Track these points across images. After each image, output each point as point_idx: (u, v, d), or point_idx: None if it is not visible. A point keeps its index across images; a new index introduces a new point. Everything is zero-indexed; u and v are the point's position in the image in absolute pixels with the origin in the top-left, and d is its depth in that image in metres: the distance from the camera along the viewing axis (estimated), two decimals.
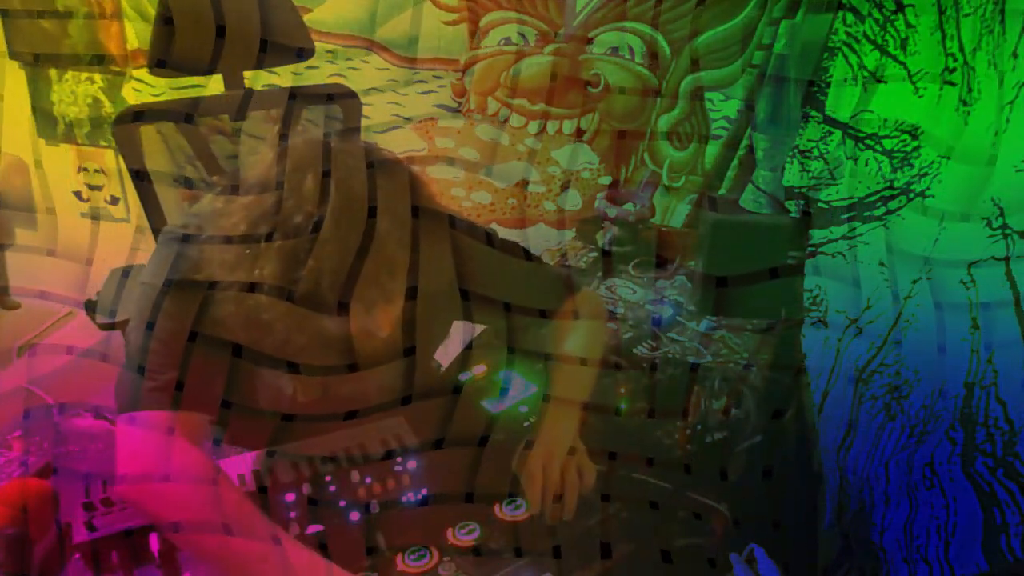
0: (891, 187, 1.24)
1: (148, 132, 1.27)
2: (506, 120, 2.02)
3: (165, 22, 1.17)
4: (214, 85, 1.30)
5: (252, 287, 0.81)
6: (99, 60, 2.00)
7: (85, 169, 2.10)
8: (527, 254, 1.08)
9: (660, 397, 1.23)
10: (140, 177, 1.28)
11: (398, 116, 2.03)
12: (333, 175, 0.83)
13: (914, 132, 1.21)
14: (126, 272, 1.39)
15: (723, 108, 1.94)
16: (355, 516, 0.92)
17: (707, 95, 1.95)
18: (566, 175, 1.98)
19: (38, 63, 2.00)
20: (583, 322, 1.11)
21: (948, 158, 1.17)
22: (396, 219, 0.84)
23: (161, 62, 1.20)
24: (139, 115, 1.26)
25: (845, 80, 1.32)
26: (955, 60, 1.15)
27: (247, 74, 1.32)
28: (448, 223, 0.96)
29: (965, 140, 1.14)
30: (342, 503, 0.94)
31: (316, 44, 1.37)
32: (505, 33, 1.96)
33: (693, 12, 1.87)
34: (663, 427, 1.15)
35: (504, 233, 1.07)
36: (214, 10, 1.17)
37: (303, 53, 1.33)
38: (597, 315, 1.13)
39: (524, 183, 2.04)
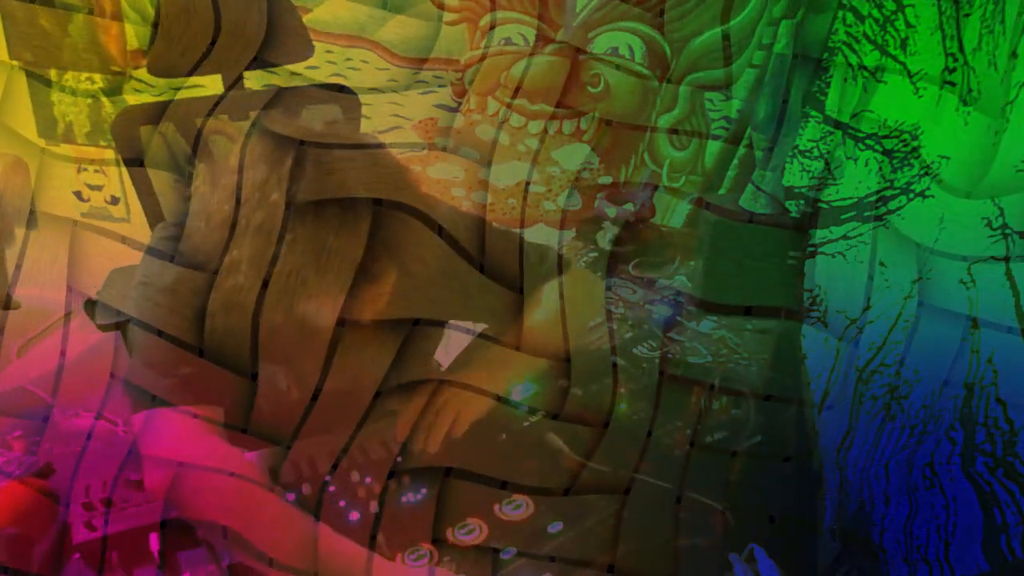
0: (891, 187, 1.24)
1: (148, 132, 1.27)
2: (506, 120, 2.02)
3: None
4: (214, 85, 1.30)
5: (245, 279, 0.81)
6: (99, 60, 2.00)
7: (85, 169, 2.10)
8: (482, 266, 1.03)
9: (659, 397, 1.23)
10: (140, 177, 1.28)
11: (398, 116, 2.03)
12: (311, 158, 0.81)
13: (914, 132, 1.21)
14: (126, 272, 1.39)
15: (723, 108, 1.94)
16: (355, 516, 0.92)
17: (707, 95, 1.95)
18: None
19: (38, 63, 2.00)
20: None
21: (948, 158, 1.17)
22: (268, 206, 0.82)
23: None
24: (139, 115, 1.26)
25: (845, 80, 1.32)
26: (955, 60, 1.15)
27: (247, 74, 1.32)
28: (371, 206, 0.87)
29: (965, 140, 1.14)
30: (342, 503, 0.94)
31: (316, 44, 1.37)
32: (505, 33, 1.96)
33: (693, 12, 1.87)
34: (663, 427, 1.15)
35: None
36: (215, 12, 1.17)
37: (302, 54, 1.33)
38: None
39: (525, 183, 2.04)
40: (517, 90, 1.98)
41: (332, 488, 0.95)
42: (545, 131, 2.01)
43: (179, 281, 0.86)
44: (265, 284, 0.80)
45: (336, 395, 0.94)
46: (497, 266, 1.04)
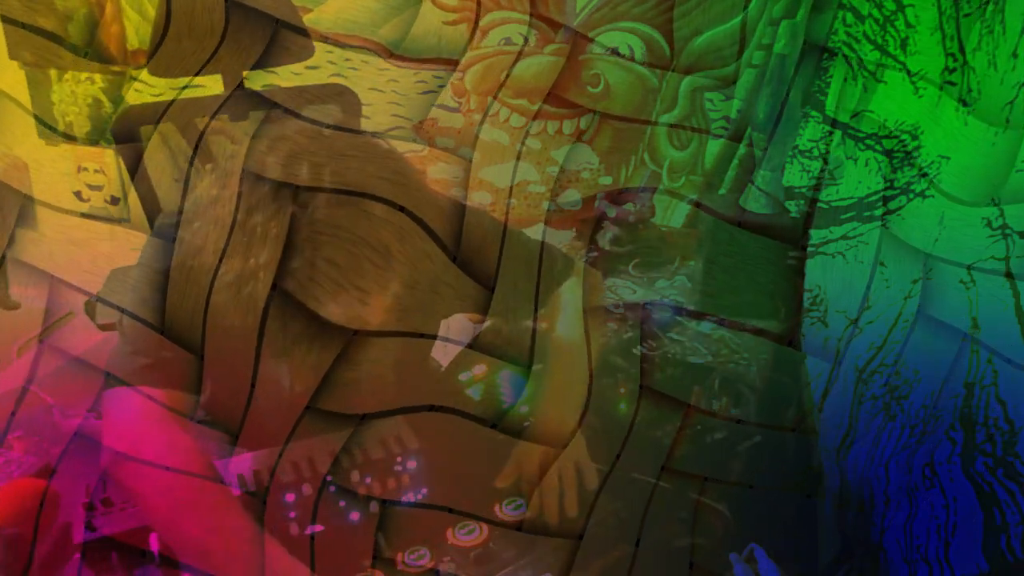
0: (891, 187, 1.24)
1: (148, 132, 1.27)
2: (506, 120, 2.02)
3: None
4: (214, 85, 1.30)
5: (248, 273, 0.81)
6: (99, 60, 2.00)
7: (85, 169, 2.10)
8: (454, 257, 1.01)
9: (659, 397, 1.23)
10: (140, 177, 1.28)
11: (398, 116, 2.03)
12: (327, 164, 0.82)
13: (914, 132, 1.21)
14: (127, 272, 1.39)
15: (723, 108, 1.94)
16: (355, 516, 0.92)
17: (707, 95, 1.95)
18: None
19: (38, 63, 2.00)
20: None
21: (948, 158, 1.17)
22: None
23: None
24: (139, 115, 1.26)
25: (845, 80, 1.32)
26: (955, 60, 1.15)
27: (247, 75, 1.32)
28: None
29: (964, 140, 1.14)
30: (342, 503, 0.94)
31: (316, 44, 1.37)
32: (505, 33, 1.96)
33: (694, 11, 1.87)
34: (663, 427, 1.15)
35: None
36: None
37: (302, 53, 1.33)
38: None
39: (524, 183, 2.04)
40: (513, 89, 1.98)
41: (332, 488, 0.95)
42: (545, 131, 2.01)
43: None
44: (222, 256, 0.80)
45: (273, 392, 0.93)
46: (474, 259, 1.03)
